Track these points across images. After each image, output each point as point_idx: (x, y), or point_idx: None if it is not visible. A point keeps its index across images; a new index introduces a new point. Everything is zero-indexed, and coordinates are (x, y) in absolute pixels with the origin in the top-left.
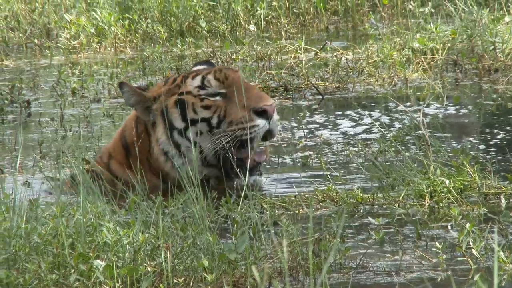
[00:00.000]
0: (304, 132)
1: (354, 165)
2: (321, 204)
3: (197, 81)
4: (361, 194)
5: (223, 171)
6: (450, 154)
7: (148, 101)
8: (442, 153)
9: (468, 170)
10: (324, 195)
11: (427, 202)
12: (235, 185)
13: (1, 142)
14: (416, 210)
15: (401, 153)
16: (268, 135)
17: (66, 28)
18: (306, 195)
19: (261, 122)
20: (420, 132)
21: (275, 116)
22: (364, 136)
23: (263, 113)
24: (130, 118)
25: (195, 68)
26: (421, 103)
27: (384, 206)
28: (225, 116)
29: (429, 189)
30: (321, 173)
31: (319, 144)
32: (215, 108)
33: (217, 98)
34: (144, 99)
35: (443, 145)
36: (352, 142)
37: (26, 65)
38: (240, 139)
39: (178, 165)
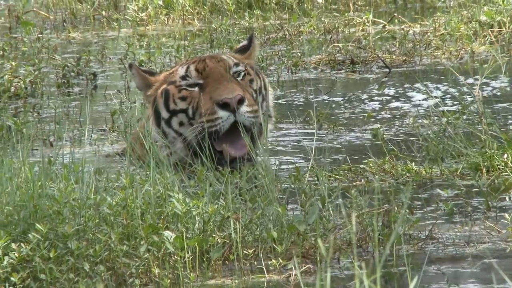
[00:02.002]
0: (382, 104)
1: (413, 139)
2: (376, 176)
3: (183, 71)
4: (414, 168)
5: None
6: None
7: (151, 86)
8: (494, 127)
9: None
10: (378, 167)
11: (484, 175)
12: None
13: (66, 114)
14: (484, 181)
15: (459, 127)
16: (242, 127)
17: (134, 0)
18: (361, 167)
19: (224, 114)
20: (486, 106)
21: (244, 108)
22: (435, 109)
23: (226, 106)
24: None
25: (240, 44)
26: (476, 77)
27: (443, 179)
28: (198, 107)
29: (485, 163)
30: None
31: (398, 116)
32: (191, 100)
33: (195, 89)
34: (148, 84)
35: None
36: (424, 114)
37: (94, 37)
38: (207, 131)
39: (166, 154)
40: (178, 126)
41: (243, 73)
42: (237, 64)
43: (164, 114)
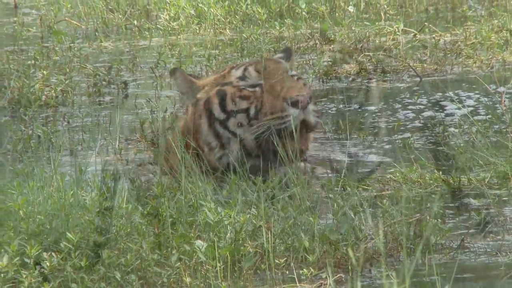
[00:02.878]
0: (416, 113)
1: (441, 148)
2: (403, 185)
3: (239, 72)
4: (442, 177)
5: (264, 160)
6: None
7: (197, 90)
8: None
9: None
10: (405, 177)
11: None
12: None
13: (97, 123)
14: None
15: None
16: (305, 125)
17: (165, 9)
18: (387, 177)
19: (293, 111)
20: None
21: (311, 107)
22: (466, 118)
23: (296, 103)
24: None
25: (275, 56)
26: (506, 85)
27: (471, 188)
28: (262, 106)
29: None
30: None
31: (429, 125)
32: (253, 99)
33: (256, 89)
34: (195, 87)
35: None
36: (455, 123)
37: (125, 46)
38: (275, 128)
39: (219, 156)
40: (235, 127)
41: (296, 77)
42: (290, 69)
43: (220, 115)
